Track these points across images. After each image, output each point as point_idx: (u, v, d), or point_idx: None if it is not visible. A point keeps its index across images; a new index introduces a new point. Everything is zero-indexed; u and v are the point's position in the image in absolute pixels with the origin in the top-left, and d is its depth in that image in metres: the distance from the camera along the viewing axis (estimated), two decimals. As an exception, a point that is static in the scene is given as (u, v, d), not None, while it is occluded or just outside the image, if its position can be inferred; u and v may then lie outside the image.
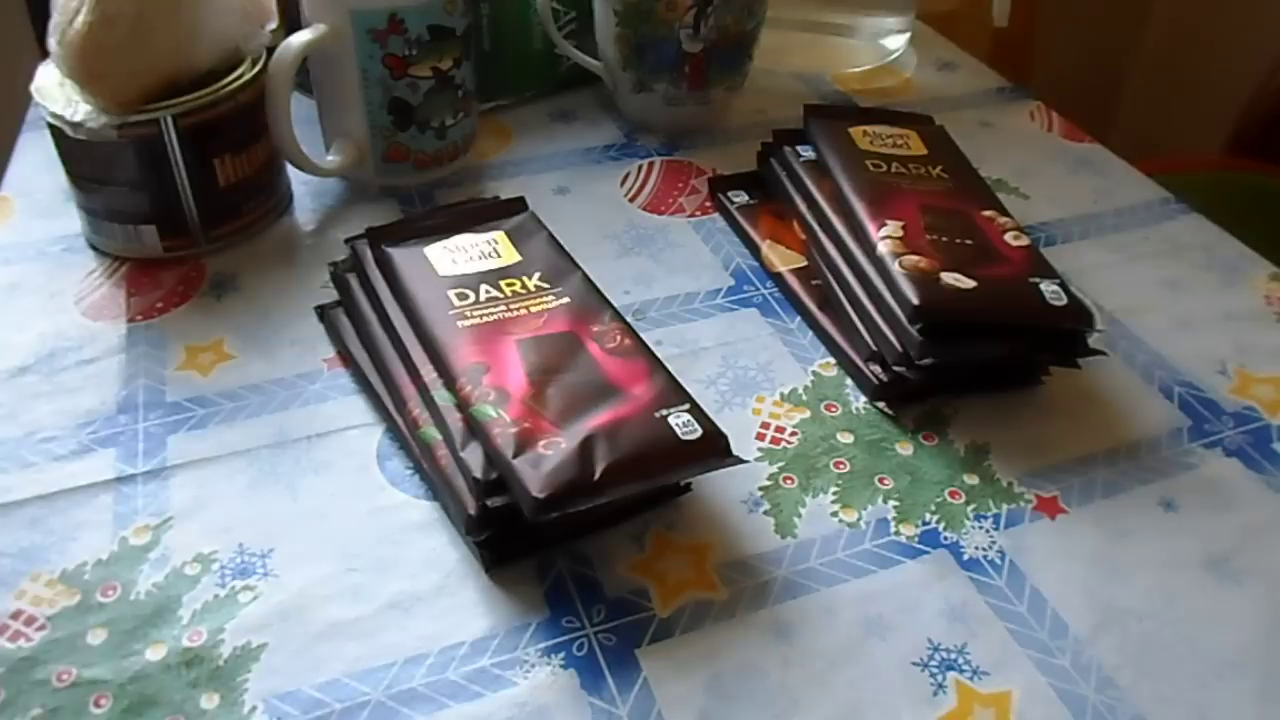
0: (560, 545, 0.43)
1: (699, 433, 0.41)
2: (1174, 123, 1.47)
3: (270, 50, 0.56)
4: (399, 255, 0.48)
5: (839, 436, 0.48)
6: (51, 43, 0.52)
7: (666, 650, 0.39)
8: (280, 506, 0.44)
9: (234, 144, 0.56)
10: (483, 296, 0.46)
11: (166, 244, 0.56)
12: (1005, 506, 0.45)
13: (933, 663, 0.39)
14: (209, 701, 0.37)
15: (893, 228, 0.51)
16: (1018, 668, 0.39)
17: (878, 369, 0.50)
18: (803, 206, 0.57)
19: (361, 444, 0.47)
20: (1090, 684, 0.38)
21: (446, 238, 0.50)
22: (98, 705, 0.37)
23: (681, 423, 0.41)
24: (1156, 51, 1.56)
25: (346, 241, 0.51)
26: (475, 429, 0.41)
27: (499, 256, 0.49)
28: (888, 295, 0.49)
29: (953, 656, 0.39)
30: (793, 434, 0.48)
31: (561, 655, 0.39)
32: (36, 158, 0.63)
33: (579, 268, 0.49)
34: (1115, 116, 1.61)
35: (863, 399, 0.50)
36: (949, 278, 0.48)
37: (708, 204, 0.63)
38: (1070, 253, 0.60)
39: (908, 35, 0.80)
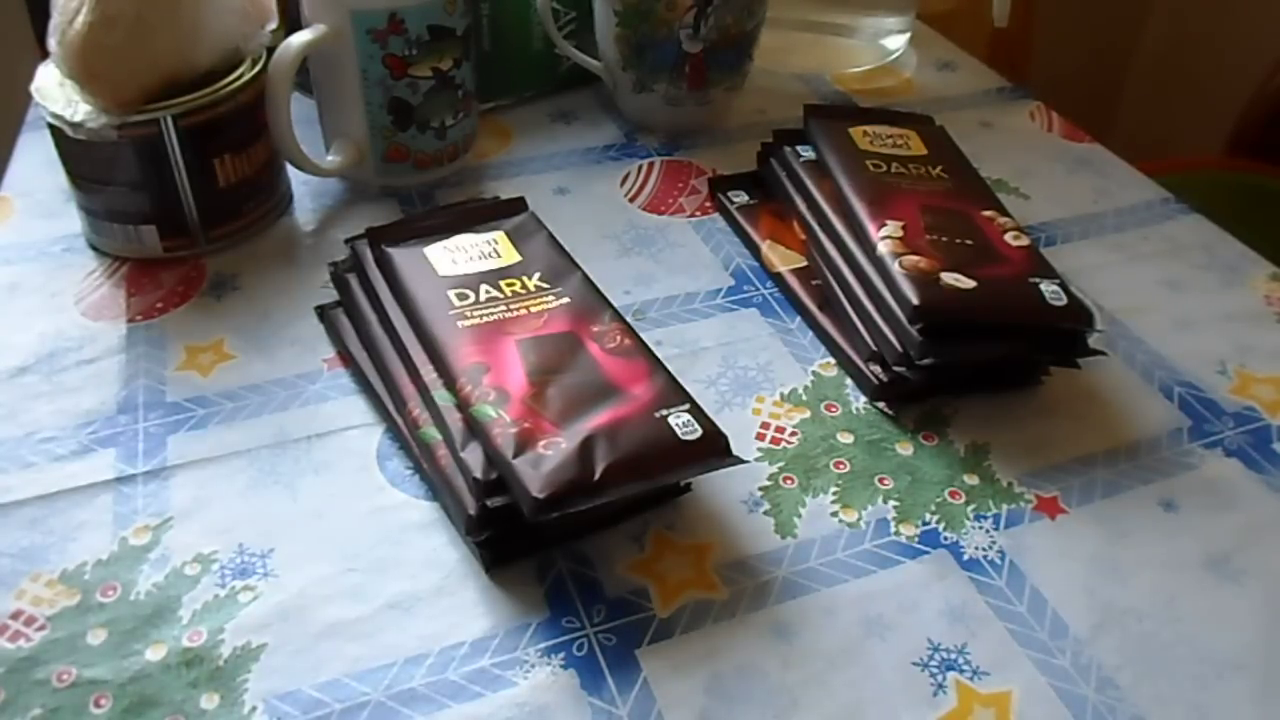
0: (560, 545, 0.42)
1: (699, 433, 0.41)
2: (1174, 123, 1.47)
3: (270, 50, 0.56)
4: (399, 255, 0.48)
5: (839, 436, 0.48)
6: (51, 43, 0.52)
7: (666, 650, 0.39)
8: (280, 506, 0.44)
9: (234, 144, 0.56)
10: (483, 296, 0.46)
11: (166, 244, 0.56)
12: (1005, 506, 0.45)
13: (933, 663, 0.39)
14: (209, 701, 0.37)
15: (893, 228, 0.51)
16: (1018, 668, 0.39)
17: (878, 369, 0.50)
18: (803, 206, 0.57)
19: (361, 444, 0.47)
20: (1090, 684, 0.38)
21: (446, 238, 0.50)
22: (98, 705, 0.37)
23: (681, 423, 0.41)
24: (1156, 51, 1.56)
25: (346, 241, 0.51)
26: (475, 429, 0.41)
27: (499, 256, 0.49)
28: (888, 295, 0.49)
29: (953, 656, 0.39)
30: (793, 434, 0.48)
31: (561, 655, 0.39)
32: (36, 158, 0.63)
33: (579, 268, 0.49)
34: (1115, 116, 1.61)
35: (863, 399, 0.50)
36: (949, 278, 0.48)
37: (708, 204, 0.63)
38: (1070, 253, 0.60)
39: (908, 35, 0.80)
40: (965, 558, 0.43)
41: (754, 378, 0.51)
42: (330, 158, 0.61)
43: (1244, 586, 0.42)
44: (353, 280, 0.50)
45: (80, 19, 0.50)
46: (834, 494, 0.45)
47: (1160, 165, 0.79)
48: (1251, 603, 0.41)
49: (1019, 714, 0.37)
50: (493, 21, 0.68)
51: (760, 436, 0.48)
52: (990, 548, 0.43)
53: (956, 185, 0.56)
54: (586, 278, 0.48)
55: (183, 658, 0.38)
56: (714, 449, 0.41)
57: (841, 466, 0.46)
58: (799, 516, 0.44)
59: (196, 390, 0.49)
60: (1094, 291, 0.57)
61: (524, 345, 0.44)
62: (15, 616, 0.39)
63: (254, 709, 0.37)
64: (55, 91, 0.54)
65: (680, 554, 0.43)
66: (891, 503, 0.45)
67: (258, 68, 0.56)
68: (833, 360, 0.52)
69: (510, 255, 0.49)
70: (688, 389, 0.43)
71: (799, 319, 0.55)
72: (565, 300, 0.47)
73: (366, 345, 0.49)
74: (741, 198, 0.62)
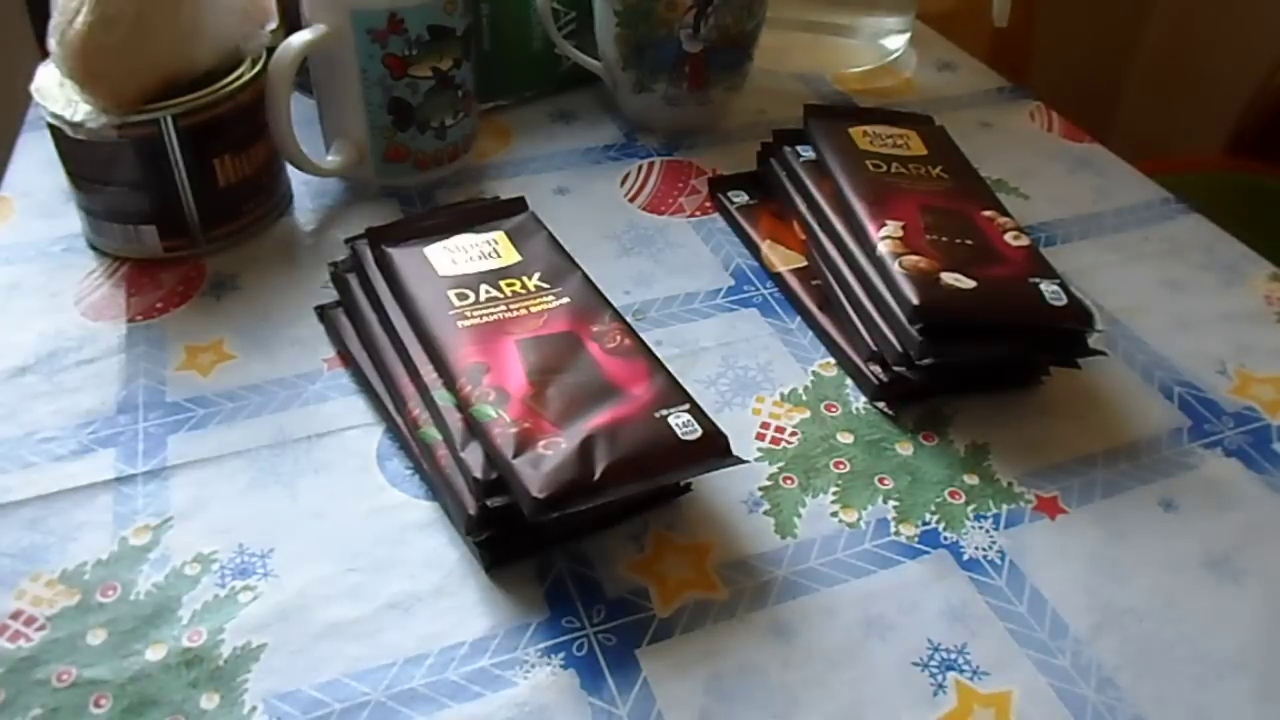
0: (560, 545, 0.43)
1: (699, 433, 0.41)
2: (1174, 123, 1.47)
3: (270, 50, 0.56)
4: (399, 255, 0.48)
5: (839, 436, 0.48)
6: (51, 43, 0.52)
7: (666, 650, 0.39)
8: (280, 506, 0.44)
9: (234, 144, 0.56)
10: (483, 296, 0.46)
11: (166, 244, 0.56)
12: (1005, 506, 0.45)
13: (933, 663, 0.39)
14: (209, 701, 0.37)
15: (893, 228, 0.51)
16: (1018, 668, 0.39)
17: (878, 369, 0.50)
18: (803, 206, 0.57)
19: (361, 444, 0.47)
20: (1090, 684, 0.38)
21: (446, 238, 0.50)
22: (98, 705, 0.37)
23: (681, 423, 0.41)
24: (1156, 51, 1.56)
25: (346, 241, 0.51)
26: (475, 429, 0.41)
27: (499, 256, 0.49)
28: (888, 295, 0.49)
29: (953, 656, 0.39)
30: (793, 434, 0.48)
31: (561, 655, 0.39)
32: (36, 158, 0.63)
33: (579, 268, 0.49)
34: (1115, 116, 1.61)
35: (863, 399, 0.50)
36: (949, 278, 0.48)
37: (708, 204, 0.63)
38: (1070, 253, 0.60)
39: (908, 35, 0.80)
40: (965, 558, 0.43)
41: (754, 378, 0.51)
42: (330, 158, 0.61)
43: (1244, 586, 0.42)
44: (353, 280, 0.50)
45: (80, 19, 0.50)
46: (834, 494, 0.45)
47: (1160, 165, 0.79)
48: (1251, 603, 0.41)
49: (1019, 714, 0.37)
50: (493, 21, 0.68)
51: (760, 436, 0.48)
52: (990, 548, 0.43)
53: (956, 185, 0.56)
54: (586, 278, 0.48)
55: (183, 658, 0.38)
56: (714, 449, 0.41)
57: (841, 466, 0.46)
58: (799, 516, 0.44)
59: (196, 390, 0.49)
60: (1094, 291, 0.57)
61: (524, 345, 0.44)
62: (15, 616, 0.39)
63: (254, 709, 0.37)
64: (55, 91, 0.54)
65: (680, 554, 0.43)
66: (891, 503, 0.45)
67: (258, 68, 0.56)
68: (833, 360, 0.52)
69: (510, 255, 0.49)
70: (688, 389, 0.43)
71: (799, 319, 0.55)
72: (565, 300, 0.47)
73: (366, 345, 0.49)
74: (741, 198, 0.62)
